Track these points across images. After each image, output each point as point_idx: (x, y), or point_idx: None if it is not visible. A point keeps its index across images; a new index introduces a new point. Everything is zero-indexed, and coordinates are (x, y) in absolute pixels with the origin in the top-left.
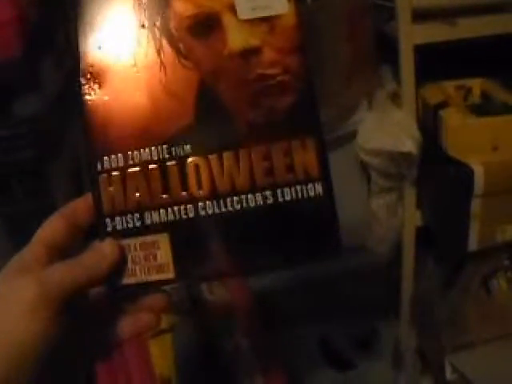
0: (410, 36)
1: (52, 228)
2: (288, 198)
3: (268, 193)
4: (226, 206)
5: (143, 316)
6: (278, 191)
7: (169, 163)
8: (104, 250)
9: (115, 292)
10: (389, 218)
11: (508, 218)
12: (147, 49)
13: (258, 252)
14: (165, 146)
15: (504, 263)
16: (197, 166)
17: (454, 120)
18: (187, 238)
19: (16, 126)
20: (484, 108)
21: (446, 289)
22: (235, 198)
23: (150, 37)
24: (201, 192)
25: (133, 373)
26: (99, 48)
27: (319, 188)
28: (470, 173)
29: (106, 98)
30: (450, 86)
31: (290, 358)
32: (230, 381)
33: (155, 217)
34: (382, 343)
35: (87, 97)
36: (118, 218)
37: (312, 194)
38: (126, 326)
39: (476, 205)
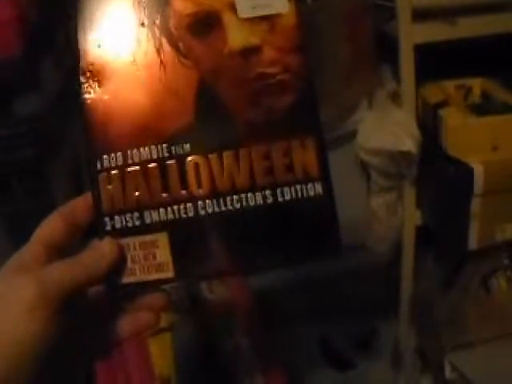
0: (410, 35)
1: (51, 227)
2: (288, 197)
3: (268, 192)
4: (225, 205)
5: (142, 315)
6: (278, 191)
7: (168, 162)
8: (103, 249)
9: (114, 291)
10: (388, 217)
11: (508, 217)
12: (147, 47)
13: (257, 251)
14: (164, 145)
15: (504, 262)
16: (196, 165)
17: (453, 119)
18: (187, 237)
19: (16, 125)
20: (484, 107)
21: (446, 288)
22: (235, 197)
23: (150, 35)
24: (200, 191)
25: (132, 372)
26: (99, 46)
27: (319, 188)
28: (469, 172)
29: (106, 96)
30: (450, 86)
31: (289, 357)
32: (230, 380)
33: (155, 216)
34: (381, 342)
35: (87, 95)
36: (117, 217)
37: (312, 193)
38: (126, 324)
39: (476, 204)
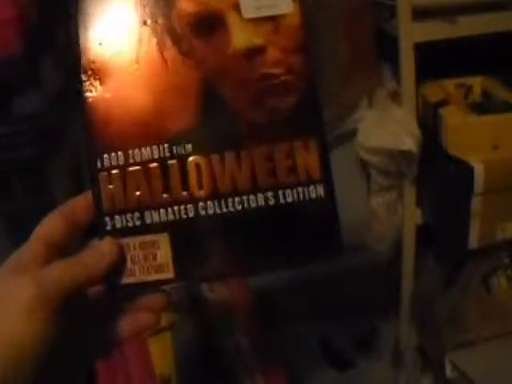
0: (410, 34)
1: (51, 226)
2: (289, 199)
3: (269, 194)
4: (226, 207)
5: (142, 315)
6: (280, 192)
7: (170, 162)
8: (103, 249)
9: (114, 291)
10: (389, 216)
11: (508, 215)
12: (149, 46)
13: (258, 252)
14: (166, 145)
15: (504, 261)
16: (198, 166)
17: (454, 118)
18: (187, 238)
19: (16, 124)
20: (484, 106)
21: (446, 287)
22: (236, 199)
23: (152, 34)
24: (202, 192)
25: (133, 372)
26: (100, 44)
27: (321, 190)
28: (470, 171)
29: (107, 95)
30: (450, 84)
31: (290, 357)
32: (230, 380)
33: (155, 216)
34: (382, 342)
35: (88, 93)
36: (117, 217)
37: (313, 195)
38: (125, 325)
39: (476, 203)
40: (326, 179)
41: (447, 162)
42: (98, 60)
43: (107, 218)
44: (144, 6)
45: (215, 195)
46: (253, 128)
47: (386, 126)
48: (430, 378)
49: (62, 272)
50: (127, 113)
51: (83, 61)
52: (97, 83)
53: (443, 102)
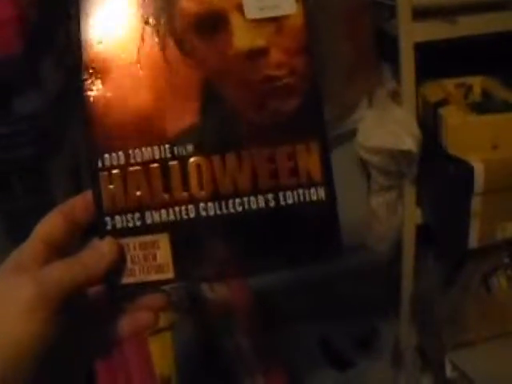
0: (411, 34)
1: (50, 225)
2: (290, 201)
3: (270, 196)
4: (227, 208)
5: (142, 315)
6: (281, 194)
7: (170, 163)
8: (103, 249)
9: (114, 291)
10: (389, 216)
11: (508, 215)
12: (151, 46)
13: (258, 253)
14: (167, 146)
15: (504, 261)
16: (199, 167)
17: (454, 118)
18: (187, 239)
19: (16, 123)
20: (484, 106)
21: (446, 287)
22: (237, 200)
23: (154, 33)
24: (202, 193)
25: (133, 372)
26: (102, 43)
27: (322, 192)
28: (470, 170)
29: (108, 94)
30: (450, 84)
31: (290, 357)
32: (231, 380)
33: (156, 216)
34: (382, 342)
35: (89, 92)
36: (117, 217)
37: (314, 198)
38: (125, 324)
39: (476, 203)
40: (327, 182)
41: (447, 162)
42: (99, 59)
43: (107, 218)
44: (146, 6)
45: (216, 196)
46: (254, 129)
47: (385, 126)
48: (430, 378)
49: (62, 272)
50: (128, 112)
51: (84, 60)
52: (98, 82)
53: (443, 102)
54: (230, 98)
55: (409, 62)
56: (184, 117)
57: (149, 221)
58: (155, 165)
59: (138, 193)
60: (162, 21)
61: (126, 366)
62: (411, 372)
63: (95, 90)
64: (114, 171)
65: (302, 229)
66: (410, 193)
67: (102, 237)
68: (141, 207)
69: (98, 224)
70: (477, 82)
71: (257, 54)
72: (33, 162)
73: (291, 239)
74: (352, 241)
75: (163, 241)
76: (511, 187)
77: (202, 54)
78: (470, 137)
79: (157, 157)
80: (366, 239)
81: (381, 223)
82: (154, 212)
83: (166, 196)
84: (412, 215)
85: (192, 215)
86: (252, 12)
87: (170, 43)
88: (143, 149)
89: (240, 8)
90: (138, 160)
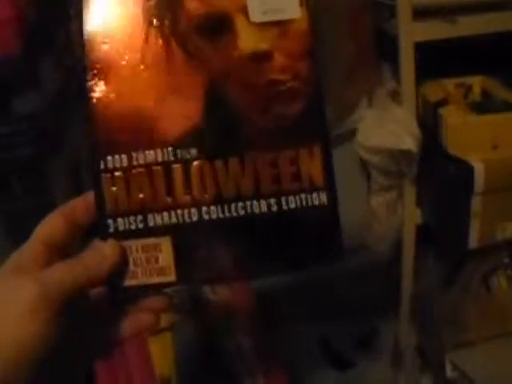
0: (410, 34)
1: (51, 226)
2: (292, 205)
3: (273, 200)
4: (229, 212)
5: (143, 316)
6: (283, 199)
7: (173, 166)
8: (105, 251)
9: (116, 293)
10: (389, 216)
11: (508, 215)
12: (155, 47)
13: (260, 257)
14: (170, 149)
15: (504, 261)
16: (202, 170)
17: (454, 118)
18: (190, 242)
19: (15, 124)
20: (484, 106)
21: (446, 287)
22: (239, 204)
23: (159, 35)
24: (205, 196)
25: (133, 372)
26: (106, 44)
27: (324, 197)
28: (470, 170)
29: (112, 95)
30: (450, 84)
31: (290, 357)
32: (231, 381)
33: (158, 219)
34: (381, 342)
35: (92, 93)
36: (120, 219)
37: (316, 202)
38: (126, 325)
39: (476, 202)
40: (330, 186)
41: (447, 162)
42: (102, 60)
43: (110, 220)
44: (151, 7)
45: (218, 200)
46: (258, 133)
47: (385, 126)
48: (430, 378)
49: (64, 273)
50: (131, 114)
51: (88, 60)
52: (101, 83)
53: (443, 102)
54: (233, 101)
55: (409, 61)
56: (187, 119)
57: (151, 223)
58: (158, 167)
59: (141, 195)
60: (167, 22)
61: (126, 366)
62: (411, 372)
63: (99, 91)
64: (117, 173)
65: (303, 233)
66: (410, 193)
67: (104, 239)
68: (143, 210)
69: (101, 226)
70: (477, 82)
71: (261, 58)
72: (32, 161)
73: (293, 243)
74: (352, 241)
75: (165, 244)
76: (511, 187)
77: (206, 55)
78: (470, 137)
79: (160, 159)
80: (366, 239)
81: (381, 223)
82: (156, 215)
83: (169, 199)
84: (412, 215)
85: (194, 218)
86: (256, 15)
87: (174, 45)
88: (146, 151)
89: (245, 10)
90: (141, 162)
